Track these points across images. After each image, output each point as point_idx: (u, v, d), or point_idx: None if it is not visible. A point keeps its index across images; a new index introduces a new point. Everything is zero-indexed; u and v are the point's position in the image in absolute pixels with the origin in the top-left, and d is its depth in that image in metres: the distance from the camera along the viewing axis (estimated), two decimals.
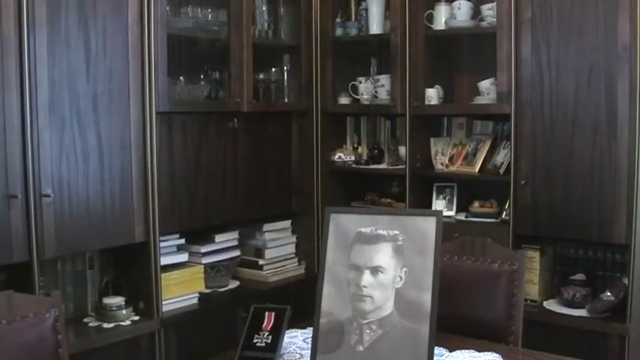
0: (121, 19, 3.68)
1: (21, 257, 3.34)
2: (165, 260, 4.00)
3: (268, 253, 4.80)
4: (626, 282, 3.88)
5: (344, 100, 4.97)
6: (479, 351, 2.80)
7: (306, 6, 4.84)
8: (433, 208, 4.55)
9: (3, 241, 3.29)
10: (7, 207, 3.27)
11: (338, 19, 4.94)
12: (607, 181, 3.88)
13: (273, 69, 4.77)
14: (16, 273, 3.41)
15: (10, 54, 3.27)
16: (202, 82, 4.33)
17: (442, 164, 4.61)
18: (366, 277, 2.54)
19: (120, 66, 3.71)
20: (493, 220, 4.41)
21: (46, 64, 3.40)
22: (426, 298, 2.49)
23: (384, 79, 4.76)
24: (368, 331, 2.51)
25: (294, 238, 5.00)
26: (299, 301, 3.65)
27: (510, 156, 4.21)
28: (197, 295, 4.21)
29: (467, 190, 4.62)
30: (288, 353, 2.75)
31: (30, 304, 2.43)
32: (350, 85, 4.92)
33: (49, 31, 3.41)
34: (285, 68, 4.84)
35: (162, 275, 3.91)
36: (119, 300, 3.80)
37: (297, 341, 2.88)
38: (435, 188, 4.66)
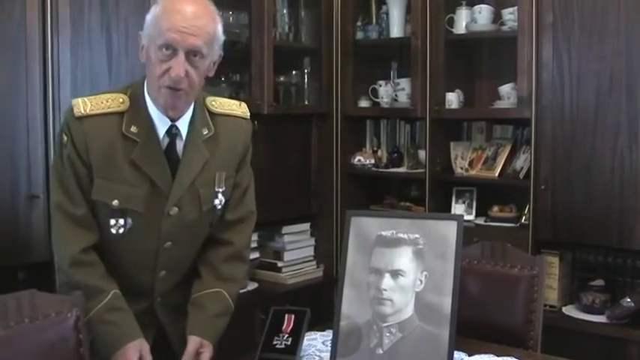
0: (143, 20, 3.63)
1: (41, 257, 3.37)
2: None
3: (287, 256, 4.82)
4: None
5: (364, 104, 4.97)
6: (498, 355, 2.79)
7: (327, 9, 4.85)
8: (452, 212, 4.55)
9: (24, 240, 3.33)
10: (29, 207, 3.30)
11: (359, 23, 4.95)
12: (628, 187, 3.87)
13: (294, 72, 4.80)
14: (36, 272, 3.44)
15: (34, 55, 3.32)
16: (223, 85, 4.34)
17: (462, 168, 4.61)
18: (387, 281, 2.54)
19: (141, 67, 3.68)
20: (512, 224, 4.40)
21: (69, 64, 3.44)
22: (446, 301, 2.49)
23: (404, 83, 4.76)
24: (388, 334, 2.50)
25: (312, 241, 5.01)
26: (317, 303, 3.66)
27: (530, 161, 4.20)
28: None
29: (486, 195, 4.61)
30: (307, 355, 2.75)
31: (52, 304, 2.43)
32: (370, 88, 4.92)
33: (72, 33, 3.45)
34: (306, 71, 4.86)
35: None
36: None
37: (316, 344, 2.87)
38: (454, 192, 4.66)
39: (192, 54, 2.38)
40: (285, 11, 4.71)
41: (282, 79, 4.68)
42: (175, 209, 2.52)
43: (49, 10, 3.35)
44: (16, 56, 3.29)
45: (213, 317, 2.65)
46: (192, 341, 2.56)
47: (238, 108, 2.72)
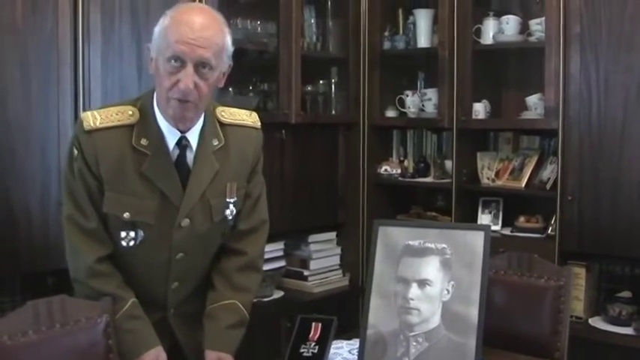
0: None
1: None
2: None
3: (313, 264, 4.83)
4: None
5: (391, 113, 4.99)
6: None
7: (355, 19, 4.87)
8: (479, 222, 4.54)
9: (55, 246, 3.35)
10: (59, 213, 3.31)
11: (386, 33, 4.96)
12: None
13: (321, 81, 4.82)
14: (65, 278, 3.46)
15: (66, 64, 3.37)
16: (251, 94, 4.37)
17: (488, 178, 4.61)
18: (414, 290, 2.55)
19: None
20: (539, 235, 4.39)
21: (99, 73, 3.48)
22: (472, 311, 2.50)
23: (431, 93, 4.77)
24: (414, 343, 2.51)
25: (339, 250, 5.02)
26: (342, 312, 3.66)
27: (557, 171, 4.19)
28: None
29: (513, 205, 4.60)
30: None
31: (83, 309, 2.46)
32: (397, 98, 4.94)
33: (102, 42, 3.49)
34: (333, 81, 4.88)
35: None
36: None
37: (342, 352, 2.88)
38: (480, 202, 4.66)
39: (200, 66, 2.36)
40: (312, 21, 4.74)
41: (309, 88, 4.70)
42: (187, 221, 2.53)
43: (81, 20, 3.40)
44: (48, 65, 3.34)
45: (228, 329, 2.64)
46: (210, 357, 2.58)
47: (249, 118, 2.71)
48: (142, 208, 2.47)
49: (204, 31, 2.35)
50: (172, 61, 2.34)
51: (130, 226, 2.49)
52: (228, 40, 2.46)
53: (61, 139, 3.36)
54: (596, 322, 4.14)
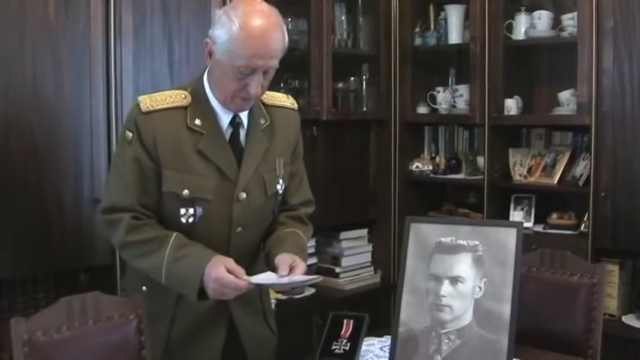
0: (203, 27, 3.71)
1: (104, 259, 3.44)
2: None
3: (345, 261, 4.84)
4: None
5: (422, 110, 4.97)
6: None
7: (385, 15, 4.87)
8: (511, 219, 4.52)
9: (88, 243, 3.39)
10: (92, 210, 3.36)
11: (417, 29, 4.95)
12: None
13: (352, 78, 4.82)
14: (99, 274, 3.50)
15: (98, 63, 3.40)
16: (282, 91, 4.36)
17: (520, 175, 4.58)
18: (446, 287, 2.54)
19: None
20: (571, 232, 4.36)
21: (131, 71, 3.51)
22: (505, 309, 2.48)
23: (463, 89, 4.75)
24: (446, 340, 2.50)
25: (370, 247, 5.02)
26: (374, 309, 3.66)
27: (590, 167, 4.16)
28: (274, 301, 4.23)
29: (545, 202, 4.57)
30: None
31: (115, 306, 2.48)
32: (428, 94, 4.92)
33: (134, 40, 3.52)
34: (364, 77, 4.88)
35: None
36: None
37: (374, 349, 2.88)
38: (512, 199, 4.63)
39: (267, 70, 2.51)
40: (343, 18, 4.73)
41: (340, 85, 4.71)
42: (243, 195, 2.61)
43: (113, 19, 3.43)
44: (81, 64, 3.37)
45: (295, 246, 2.68)
46: (284, 256, 2.57)
47: (287, 100, 2.87)
48: (200, 185, 2.55)
49: (275, 44, 2.47)
50: (244, 69, 2.45)
51: (190, 203, 2.56)
52: (286, 37, 2.55)
53: (94, 136, 3.40)
54: (630, 320, 4.11)
